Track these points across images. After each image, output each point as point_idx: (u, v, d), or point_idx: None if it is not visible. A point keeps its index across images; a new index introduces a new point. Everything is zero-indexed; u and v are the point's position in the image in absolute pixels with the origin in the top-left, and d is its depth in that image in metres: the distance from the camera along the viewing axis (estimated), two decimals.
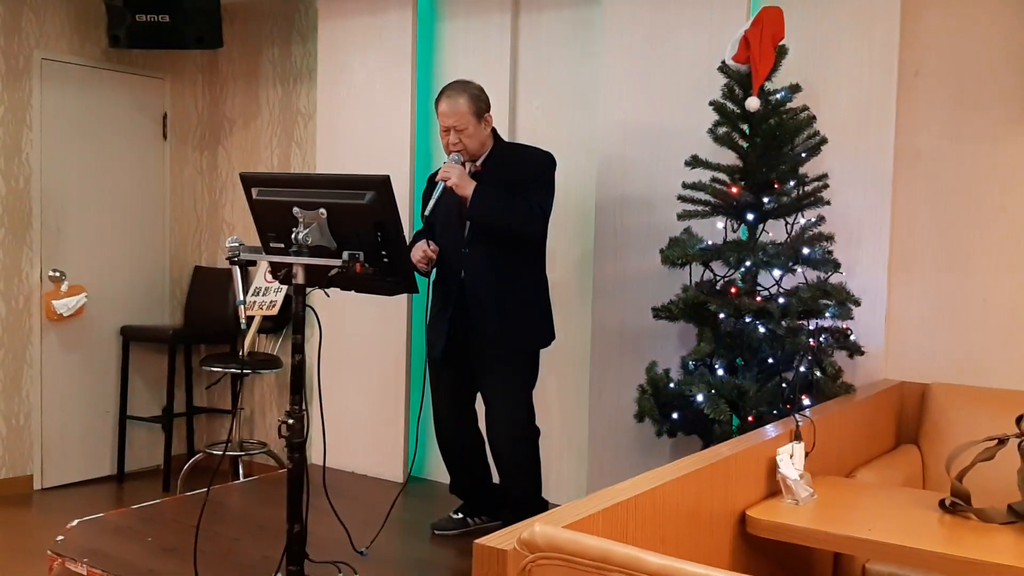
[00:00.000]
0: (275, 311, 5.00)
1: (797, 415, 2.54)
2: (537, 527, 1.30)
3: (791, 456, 2.39)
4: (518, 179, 3.43)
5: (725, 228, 3.36)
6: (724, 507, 2.14)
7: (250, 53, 5.40)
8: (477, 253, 3.46)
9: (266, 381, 5.39)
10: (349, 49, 4.75)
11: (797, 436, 2.44)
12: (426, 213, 3.39)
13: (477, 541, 1.47)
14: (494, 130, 3.57)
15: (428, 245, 3.45)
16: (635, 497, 1.75)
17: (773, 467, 2.37)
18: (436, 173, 3.56)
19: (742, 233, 3.34)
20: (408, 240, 3.48)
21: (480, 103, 3.44)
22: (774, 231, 3.32)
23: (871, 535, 2.07)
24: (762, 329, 3.01)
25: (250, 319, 4.99)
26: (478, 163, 3.50)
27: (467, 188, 3.34)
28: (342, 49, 4.77)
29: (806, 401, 3.00)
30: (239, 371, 4.92)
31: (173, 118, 5.50)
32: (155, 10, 4.66)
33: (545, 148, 3.62)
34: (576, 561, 1.26)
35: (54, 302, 4.89)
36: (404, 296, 4.49)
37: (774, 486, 2.39)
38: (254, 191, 3.01)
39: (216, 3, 4.79)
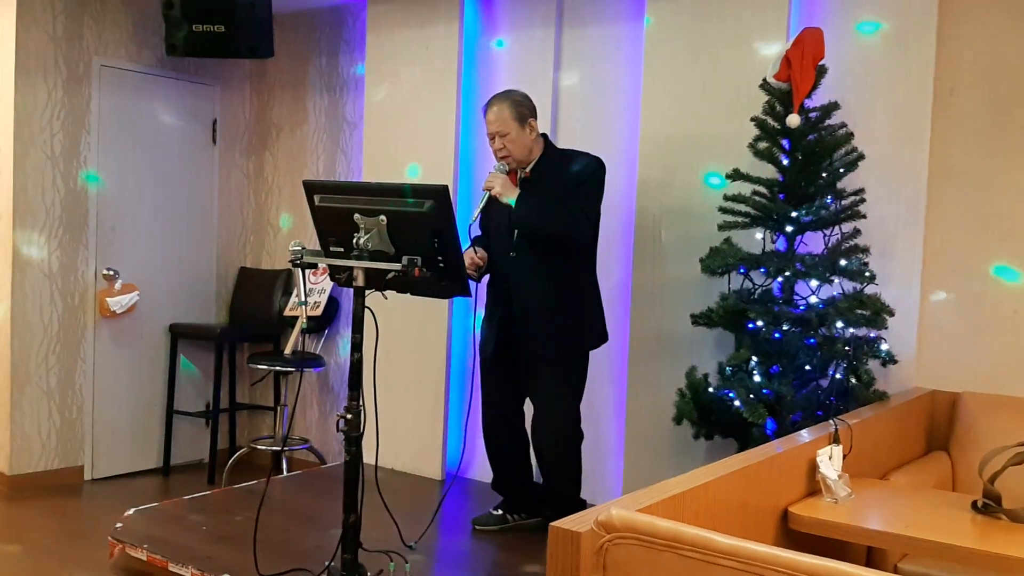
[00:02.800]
0: (319, 311, 5.17)
1: (835, 419, 2.67)
2: (614, 510, 1.44)
3: (830, 458, 2.52)
4: (566, 184, 3.55)
5: (763, 239, 3.50)
6: (768, 503, 2.27)
7: (298, 62, 5.58)
8: (524, 258, 3.60)
9: (306, 379, 5.56)
10: (396, 60, 4.91)
11: (836, 439, 2.57)
12: (471, 221, 3.54)
13: (552, 524, 1.61)
14: (545, 137, 3.70)
15: (476, 252, 3.60)
16: (690, 490, 1.89)
17: (813, 468, 2.50)
18: None
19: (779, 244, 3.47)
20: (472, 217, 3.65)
21: (522, 108, 3.57)
22: (811, 243, 3.45)
23: (908, 531, 2.20)
24: (800, 337, 3.14)
25: (294, 319, 5.17)
26: (527, 170, 3.64)
27: (510, 196, 3.48)
28: (389, 60, 4.94)
29: (843, 407, 3.12)
30: (283, 369, 5.08)
31: (222, 124, 5.69)
32: (211, 20, 4.85)
33: None
34: (650, 541, 1.40)
35: (108, 299, 5.08)
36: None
37: (814, 486, 2.51)
38: (316, 198, 3.16)
39: (269, 14, 4.97)
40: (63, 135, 4.95)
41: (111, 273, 5.13)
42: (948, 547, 2.13)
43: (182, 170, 5.51)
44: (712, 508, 1.99)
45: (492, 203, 3.53)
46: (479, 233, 3.78)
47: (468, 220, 3.65)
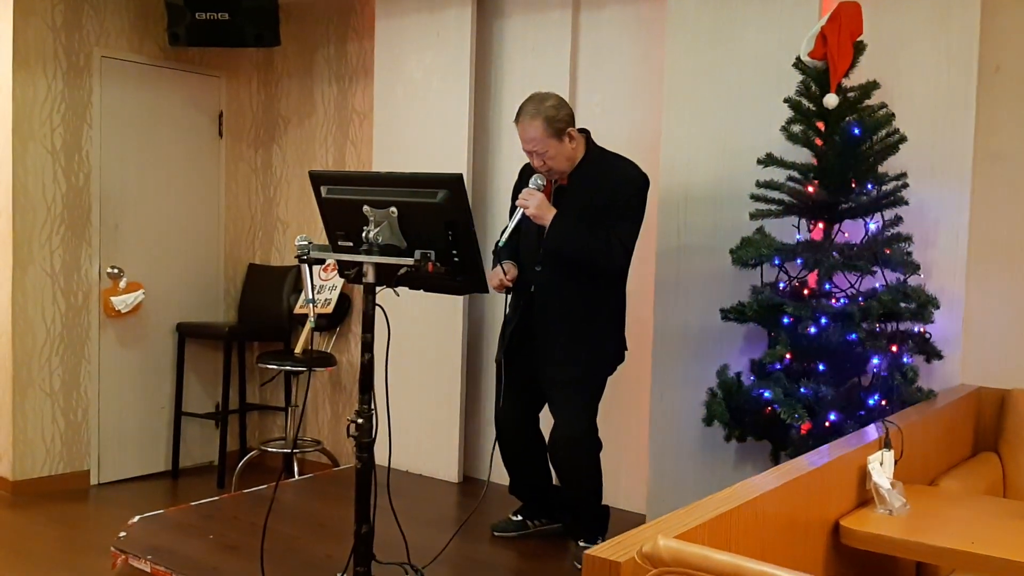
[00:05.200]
0: (330, 309, 5.00)
1: (886, 421, 2.46)
2: (661, 541, 1.25)
3: (881, 464, 2.32)
4: (604, 201, 3.29)
5: (798, 228, 3.29)
6: (818, 516, 2.07)
7: (306, 51, 5.40)
8: (549, 273, 3.37)
9: (318, 378, 5.39)
10: (406, 47, 4.72)
11: (887, 444, 2.37)
12: (500, 243, 3.32)
13: (587, 552, 1.42)
14: (588, 136, 3.44)
15: (504, 273, 3.38)
16: (738, 507, 1.70)
17: (863, 476, 2.30)
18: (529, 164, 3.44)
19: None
20: (500, 236, 3.40)
21: (557, 124, 3.26)
22: (850, 232, 3.24)
23: (975, 548, 2.00)
24: (839, 332, 2.93)
25: (305, 317, 5.00)
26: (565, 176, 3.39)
27: (545, 217, 3.26)
28: (399, 47, 4.75)
29: (887, 407, 2.92)
30: (294, 368, 4.91)
31: (229, 116, 5.52)
32: (214, 8, 4.67)
33: (605, 145, 3.51)
34: None
35: (112, 298, 4.92)
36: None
37: (864, 495, 2.31)
38: (323, 189, 2.99)
39: (275, 1, 4.79)
40: (64, 129, 4.78)
41: (115, 271, 4.97)
42: (1022, 565, 1.92)
43: (188, 164, 5.34)
44: (760, 525, 1.79)
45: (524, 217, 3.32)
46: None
47: (498, 241, 3.38)
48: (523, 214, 3.28)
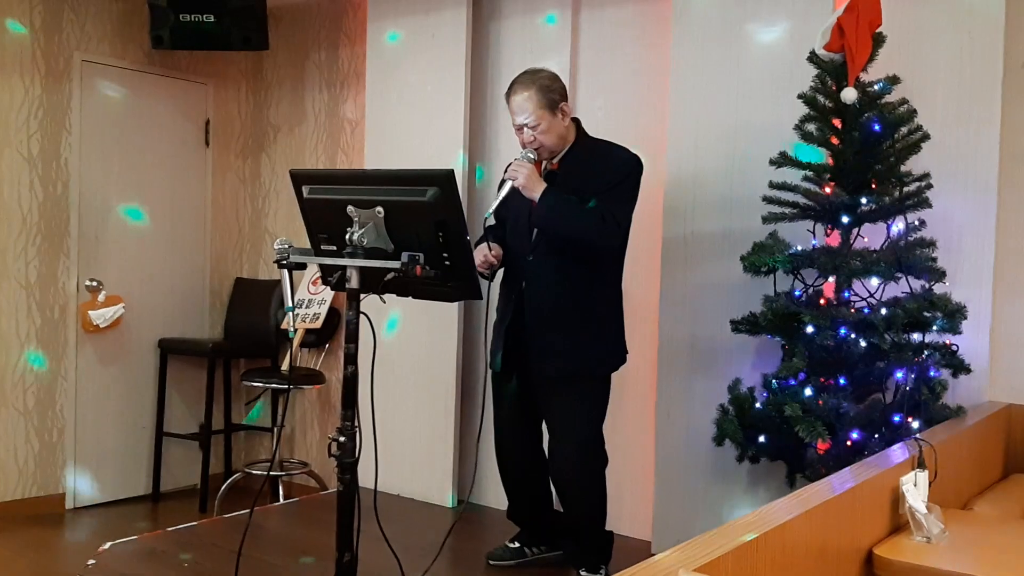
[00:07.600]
0: (319, 324, 4.77)
1: (919, 440, 2.24)
2: (683, 575, 1.02)
3: (915, 485, 2.09)
4: (596, 182, 3.12)
5: (813, 232, 3.08)
6: (850, 544, 1.85)
7: (296, 57, 5.21)
8: (541, 262, 3.17)
9: (308, 397, 5.16)
10: (399, 51, 4.53)
11: (920, 464, 2.14)
12: (487, 214, 3.12)
13: None
14: (578, 123, 3.29)
15: (490, 249, 3.18)
16: (764, 535, 1.47)
17: (895, 499, 2.08)
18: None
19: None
20: (477, 236, 3.22)
21: (552, 94, 3.13)
22: (869, 236, 3.03)
23: None
24: (863, 343, 2.71)
25: (294, 332, 4.77)
26: (554, 161, 3.21)
27: (535, 190, 3.06)
28: (392, 51, 4.56)
29: (914, 424, 2.69)
30: (280, 386, 4.67)
31: (216, 124, 5.32)
32: (199, 9, 4.48)
33: None
34: None
35: (90, 313, 4.70)
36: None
37: (897, 520, 2.08)
38: (305, 189, 2.78)
39: (262, 2, 4.61)
40: (41, 135, 4.58)
41: (94, 284, 4.74)
42: None
43: (172, 174, 5.13)
44: (789, 555, 1.57)
45: (513, 195, 3.12)
46: (493, 223, 3.36)
47: (485, 213, 3.19)
48: (511, 187, 3.08)
